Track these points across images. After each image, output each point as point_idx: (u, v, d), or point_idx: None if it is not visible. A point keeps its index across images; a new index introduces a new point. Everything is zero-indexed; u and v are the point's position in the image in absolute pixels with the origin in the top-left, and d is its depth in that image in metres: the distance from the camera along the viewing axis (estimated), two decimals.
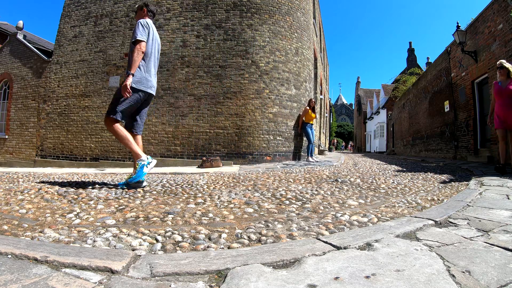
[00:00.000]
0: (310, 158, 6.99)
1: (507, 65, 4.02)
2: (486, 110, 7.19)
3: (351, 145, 41.26)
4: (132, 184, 2.61)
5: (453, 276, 0.85)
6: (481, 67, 7.01)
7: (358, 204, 2.12)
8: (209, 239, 1.34)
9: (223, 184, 3.18)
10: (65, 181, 3.29)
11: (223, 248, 1.23)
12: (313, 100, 7.35)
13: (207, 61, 6.72)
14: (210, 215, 1.77)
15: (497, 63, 4.14)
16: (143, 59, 2.67)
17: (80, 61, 7.51)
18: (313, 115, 7.12)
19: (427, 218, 1.48)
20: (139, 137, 2.86)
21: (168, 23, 6.98)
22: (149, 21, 2.80)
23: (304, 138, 7.26)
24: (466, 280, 0.83)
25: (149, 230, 1.44)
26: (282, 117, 6.81)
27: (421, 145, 12.15)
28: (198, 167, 5.75)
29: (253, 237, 1.36)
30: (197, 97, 6.64)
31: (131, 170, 5.51)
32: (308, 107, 7.08)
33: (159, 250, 1.20)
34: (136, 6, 3.06)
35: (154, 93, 2.83)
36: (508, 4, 5.81)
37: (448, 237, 1.22)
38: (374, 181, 3.49)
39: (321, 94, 14.41)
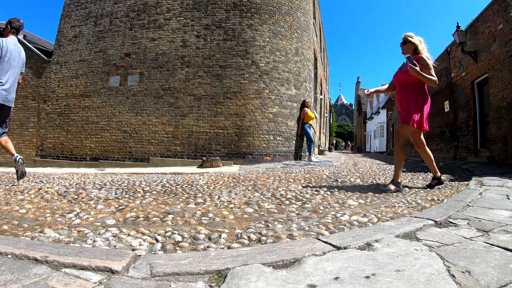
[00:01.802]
0: (312, 158, 7.00)
1: (414, 38, 2.82)
2: (486, 110, 7.20)
3: (348, 145, 41.35)
4: None
5: (453, 276, 0.85)
6: (481, 67, 7.01)
7: (358, 204, 2.12)
8: (209, 239, 1.34)
9: (223, 184, 3.18)
10: None
11: (223, 248, 1.23)
12: (308, 100, 7.34)
13: (207, 61, 6.72)
14: (210, 215, 1.77)
15: (402, 37, 2.89)
16: None
17: (80, 61, 7.51)
18: (312, 115, 7.14)
19: (427, 218, 1.48)
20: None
21: (168, 23, 6.98)
22: (5, 38, 3.04)
23: (305, 138, 7.27)
24: (466, 280, 0.83)
25: (149, 230, 1.44)
26: (282, 117, 6.81)
27: None
28: (198, 167, 5.75)
29: (253, 237, 1.36)
30: (197, 97, 6.64)
31: (131, 169, 5.51)
32: (306, 108, 7.09)
33: (159, 250, 1.20)
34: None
35: (7, 104, 3.04)
36: (508, 4, 5.81)
37: (448, 237, 1.22)
38: (374, 181, 3.49)
39: (321, 94, 14.41)
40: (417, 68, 2.60)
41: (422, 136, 2.91)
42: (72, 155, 7.26)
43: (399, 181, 2.82)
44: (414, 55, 2.77)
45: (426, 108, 2.79)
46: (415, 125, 2.71)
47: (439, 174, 2.95)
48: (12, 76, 3.04)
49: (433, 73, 2.68)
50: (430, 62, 2.72)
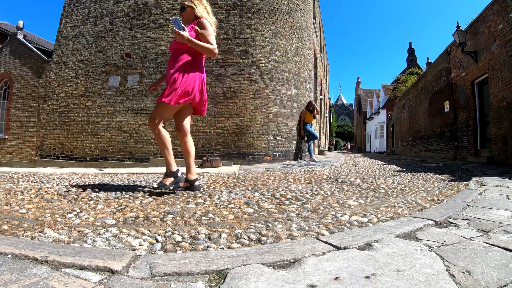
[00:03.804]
0: (314, 157, 7.02)
1: (194, 2, 2.35)
2: (486, 110, 7.20)
3: (344, 145, 41.51)
4: None
5: (453, 276, 0.85)
6: (481, 67, 7.01)
7: (358, 204, 2.12)
8: (209, 239, 1.34)
9: (223, 184, 3.18)
10: None
11: (223, 248, 1.23)
12: (313, 101, 7.37)
13: (206, 61, 6.71)
14: (210, 215, 1.76)
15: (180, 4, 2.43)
16: None
17: (80, 61, 7.51)
18: (311, 116, 7.18)
19: (427, 218, 1.47)
20: None
21: (168, 23, 6.98)
22: None
23: (305, 138, 7.28)
24: (466, 280, 0.83)
25: (149, 230, 1.44)
26: (282, 117, 6.81)
27: (421, 145, 12.15)
28: (198, 167, 5.74)
29: (253, 237, 1.36)
30: None
31: (131, 169, 5.51)
32: (306, 109, 7.16)
33: (159, 250, 1.20)
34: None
35: None
36: (508, 4, 5.82)
37: (448, 237, 1.22)
38: (374, 181, 3.49)
39: (321, 94, 14.41)
40: (185, 33, 2.13)
41: (186, 121, 2.45)
42: (72, 155, 7.26)
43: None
44: (195, 20, 2.33)
45: (194, 82, 2.26)
46: (174, 101, 2.21)
47: (175, 170, 2.40)
48: None
49: (213, 40, 2.26)
50: (212, 28, 2.30)
